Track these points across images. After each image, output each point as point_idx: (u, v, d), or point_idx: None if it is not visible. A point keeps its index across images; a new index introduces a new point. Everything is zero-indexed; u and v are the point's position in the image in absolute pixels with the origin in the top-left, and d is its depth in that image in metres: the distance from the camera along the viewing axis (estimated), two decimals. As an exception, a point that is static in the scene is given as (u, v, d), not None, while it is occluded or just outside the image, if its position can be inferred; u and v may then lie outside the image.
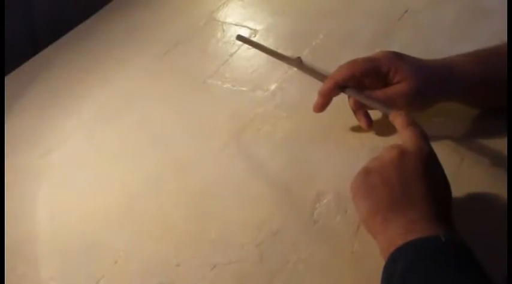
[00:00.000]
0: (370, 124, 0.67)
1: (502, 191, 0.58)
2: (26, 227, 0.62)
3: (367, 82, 0.66)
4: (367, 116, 0.68)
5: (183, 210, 0.63)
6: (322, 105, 0.67)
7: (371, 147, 0.66)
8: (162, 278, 0.56)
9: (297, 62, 0.73)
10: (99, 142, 0.72)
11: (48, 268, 0.58)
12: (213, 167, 0.67)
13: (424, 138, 0.55)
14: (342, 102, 0.68)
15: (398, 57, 0.65)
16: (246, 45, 0.83)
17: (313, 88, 0.72)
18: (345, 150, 0.66)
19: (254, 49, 0.80)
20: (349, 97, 0.67)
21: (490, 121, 0.68)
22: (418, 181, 0.52)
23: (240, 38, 0.79)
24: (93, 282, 0.56)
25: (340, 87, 0.66)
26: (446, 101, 0.66)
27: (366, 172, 0.55)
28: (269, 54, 0.76)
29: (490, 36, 0.79)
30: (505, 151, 0.61)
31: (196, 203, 0.63)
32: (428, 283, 0.46)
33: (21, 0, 0.88)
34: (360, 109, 0.67)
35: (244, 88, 0.77)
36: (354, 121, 0.69)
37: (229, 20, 0.90)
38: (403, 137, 0.56)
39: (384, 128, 0.69)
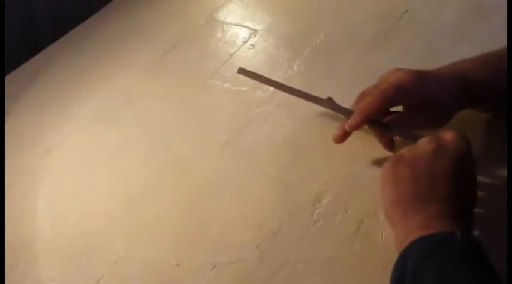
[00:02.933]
0: (393, 148, 0.64)
1: (502, 191, 0.58)
2: (26, 227, 0.62)
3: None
4: (392, 142, 0.65)
5: (183, 209, 0.63)
6: (344, 138, 0.64)
7: (371, 147, 0.66)
8: (162, 278, 0.56)
9: (327, 102, 0.68)
10: (99, 142, 0.72)
11: (48, 268, 0.58)
12: (213, 167, 0.67)
13: (466, 139, 0.56)
14: (342, 102, 0.68)
15: (420, 78, 0.62)
16: (246, 45, 0.83)
17: (313, 89, 0.72)
18: (345, 150, 0.66)
19: (254, 49, 0.80)
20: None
21: (490, 121, 0.68)
22: (447, 179, 0.52)
23: (242, 71, 0.73)
24: (93, 282, 0.56)
25: (370, 121, 0.63)
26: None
27: (398, 160, 0.55)
28: (286, 92, 0.70)
29: (490, 36, 0.80)
30: (505, 151, 0.61)
31: (196, 203, 0.63)
32: (439, 276, 0.46)
33: (21, 0, 0.88)
34: (386, 137, 0.65)
35: (244, 88, 0.77)
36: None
37: (229, 20, 0.90)
38: (448, 134, 0.56)
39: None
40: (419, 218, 0.50)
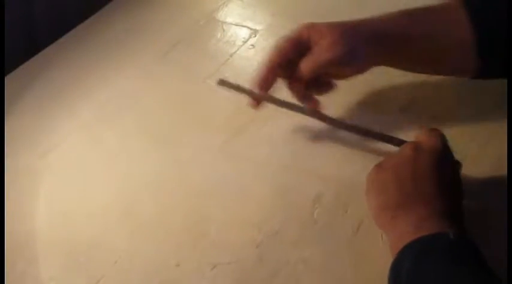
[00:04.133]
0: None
1: (502, 191, 0.58)
2: (26, 227, 0.62)
3: (296, 57, 0.63)
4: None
5: (183, 209, 0.63)
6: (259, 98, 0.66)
7: (371, 147, 0.66)
8: (162, 278, 0.56)
9: (310, 111, 0.66)
10: (99, 142, 0.72)
11: (48, 267, 0.58)
12: (213, 167, 0.67)
13: (441, 137, 0.56)
14: (342, 102, 0.68)
15: (313, 24, 0.63)
16: (246, 45, 0.83)
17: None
18: (345, 150, 0.66)
19: (254, 49, 0.80)
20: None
21: (490, 121, 0.68)
22: (429, 178, 0.53)
23: (222, 82, 0.70)
24: (93, 282, 0.56)
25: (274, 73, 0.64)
26: (376, 61, 0.64)
27: (380, 167, 0.55)
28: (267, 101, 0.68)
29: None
30: (505, 151, 0.61)
31: (196, 203, 0.63)
32: (435, 277, 0.46)
33: (21, 0, 0.88)
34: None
35: (244, 88, 0.77)
36: (354, 121, 0.69)
37: (229, 20, 0.90)
38: (421, 136, 0.57)
39: (386, 129, 0.69)
40: (409, 221, 0.51)
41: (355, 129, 0.64)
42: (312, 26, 0.63)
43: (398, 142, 0.61)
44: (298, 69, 0.62)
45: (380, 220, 0.54)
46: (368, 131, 0.64)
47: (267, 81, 0.64)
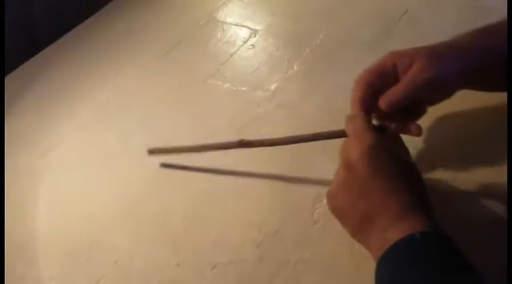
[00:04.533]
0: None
1: (502, 191, 0.58)
2: (26, 227, 0.62)
3: (384, 88, 0.59)
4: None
5: (183, 209, 0.63)
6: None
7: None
8: (162, 278, 0.56)
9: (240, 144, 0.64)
10: (99, 142, 0.72)
11: (48, 268, 0.58)
12: (213, 167, 0.67)
13: (364, 137, 0.54)
14: (342, 103, 0.68)
15: (396, 51, 0.60)
16: (246, 45, 0.83)
17: (313, 89, 0.72)
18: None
19: (254, 49, 0.80)
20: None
21: (490, 120, 0.68)
22: (372, 184, 0.51)
23: (151, 151, 0.67)
24: (93, 282, 0.56)
25: (367, 109, 0.58)
26: (464, 84, 0.61)
27: (330, 197, 0.55)
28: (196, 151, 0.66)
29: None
30: (505, 151, 0.61)
31: (196, 203, 0.63)
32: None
33: (21, 0, 0.88)
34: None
35: (244, 88, 0.77)
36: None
37: (229, 20, 0.90)
38: (344, 150, 0.55)
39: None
40: (375, 238, 0.50)
41: (300, 138, 0.62)
42: (396, 54, 0.60)
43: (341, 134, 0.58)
44: (393, 92, 0.58)
45: (357, 240, 0.53)
46: (315, 135, 0.61)
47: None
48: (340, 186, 0.54)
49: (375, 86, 0.59)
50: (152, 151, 0.67)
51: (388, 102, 0.57)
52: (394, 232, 0.49)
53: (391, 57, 0.60)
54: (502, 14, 0.71)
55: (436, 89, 0.59)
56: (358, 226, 0.52)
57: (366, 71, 0.60)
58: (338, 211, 0.54)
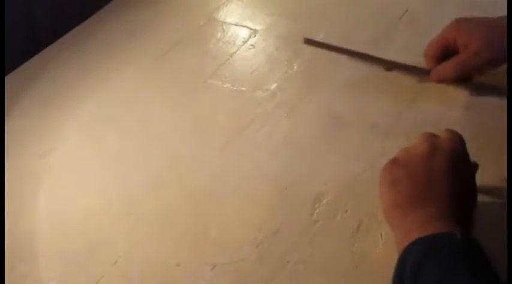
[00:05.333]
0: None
1: (502, 191, 0.58)
2: (26, 227, 0.62)
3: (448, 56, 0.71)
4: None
5: (183, 209, 0.63)
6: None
7: (371, 147, 0.66)
8: (162, 278, 0.56)
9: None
10: (99, 142, 0.72)
11: (48, 268, 0.58)
12: (213, 167, 0.67)
13: (460, 139, 0.55)
14: (342, 103, 0.68)
15: (458, 24, 0.71)
16: (246, 45, 0.83)
17: (313, 89, 0.72)
18: (345, 150, 0.66)
19: (254, 49, 0.80)
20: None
21: (490, 120, 0.68)
22: (443, 180, 0.52)
23: (308, 41, 0.80)
24: (92, 282, 0.56)
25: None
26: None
27: (394, 162, 0.55)
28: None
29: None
30: (505, 151, 0.61)
31: (196, 203, 0.63)
32: (439, 275, 0.46)
33: (22, 0, 0.88)
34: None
35: (244, 88, 0.77)
36: (354, 122, 0.69)
37: (229, 20, 0.90)
38: (441, 134, 0.56)
39: (384, 129, 0.69)
40: (417, 219, 0.50)
41: (380, 60, 0.75)
42: (458, 28, 0.71)
43: (423, 72, 0.73)
44: (445, 69, 0.71)
45: (389, 216, 0.53)
46: (393, 62, 0.75)
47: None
48: (414, 157, 0.54)
49: (440, 58, 0.72)
50: (308, 41, 0.80)
51: (440, 78, 0.72)
52: (437, 224, 0.49)
53: (454, 29, 0.71)
54: (501, 13, 0.71)
55: (485, 71, 0.71)
56: (406, 202, 0.52)
57: (432, 44, 0.74)
58: (395, 177, 0.54)
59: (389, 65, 0.75)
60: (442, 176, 0.52)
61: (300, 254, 0.57)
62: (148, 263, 0.58)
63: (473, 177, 0.56)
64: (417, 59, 0.76)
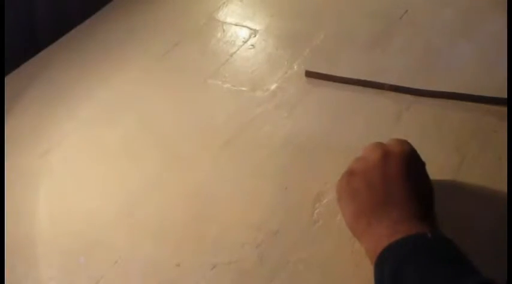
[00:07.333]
0: None
1: (502, 191, 0.59)
2: (26, 227, 0.62)
3: None
4: None
5: (183, 209, 0.63)
6: None
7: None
8: (162, 278, 0.56)
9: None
10: (99, 142, 0.72)
11: (48, 268, 0.58)
12: (213, 167, 0.67)
13: (406, 142, 0.56)
14: (342, 103, 0.68)
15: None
16: (246, 45, 0.83)
17: (313, 89, 0.72)
18: (345, 150, 0.66)
19: (254, 49, 0.80)
20: None
21: (490, 121, 0.68)
22: (401, 181, 0.53)
23: (309, 74, 0.77)
24: (93, 282, 0.56)
25: None
26: None
27: (350, 174, 0.55)
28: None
29: (490, 36, 0.80)
30: (505, 151, 0.61)
31: (196, 203, 0.63)
32: (419, 277, 0.46)
33: (22, 0, 0.88)
34: None
35: (244, 88, 0.77)
36: (354, 121, 0.69)
37: (229, 20, 0.90)
38: (389, 142, 0.57)
39: (383, 129, 0.69)
40: (384, 225, 0.51)
41: (440, 94, 0.70)
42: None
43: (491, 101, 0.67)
44: None
45: (355, 227, 0.54)
46: (455, 94, 0.69)
47: None
48: (369, 166, 0.54)
49: None
50: (309, 74, 0.76)
51: None
52: (406, 227, 0.49)
53: None
54: (502, 13, 0.71)
55: None
56: (369, 210, 0.52)
57: None
58: (353, 189, 0.54)
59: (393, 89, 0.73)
60: (400, 179, 0.53)
61: (300, 254, 0.57)
62: (148, 263, 0.58)
63: (426, 174, 0.56)
64: (414, 63, 0.76)
